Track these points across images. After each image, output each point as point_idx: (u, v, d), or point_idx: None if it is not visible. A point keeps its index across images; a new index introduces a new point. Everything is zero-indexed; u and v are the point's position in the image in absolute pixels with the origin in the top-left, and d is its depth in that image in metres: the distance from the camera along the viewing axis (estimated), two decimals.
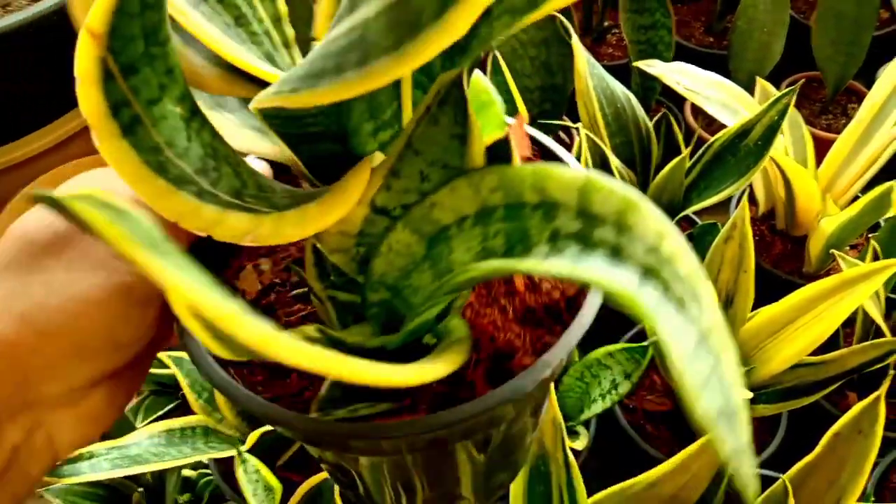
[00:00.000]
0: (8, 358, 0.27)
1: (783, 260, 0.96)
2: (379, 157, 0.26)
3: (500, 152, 0.25)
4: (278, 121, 0.24)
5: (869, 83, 1.17)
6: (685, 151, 0.82)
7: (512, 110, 0.88)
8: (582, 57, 0.83)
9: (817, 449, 0.56)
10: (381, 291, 0.27)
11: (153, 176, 0.20)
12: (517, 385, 0.27)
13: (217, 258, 0.32)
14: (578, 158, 0.81)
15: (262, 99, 0.20)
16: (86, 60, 0.19)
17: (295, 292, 0.32)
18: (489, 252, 0.24)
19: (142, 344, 0.30)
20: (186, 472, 0.75)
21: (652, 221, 0.20)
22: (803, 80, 0.95)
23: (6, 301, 0.27)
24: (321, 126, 0.25)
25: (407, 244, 0.26)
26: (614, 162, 0.83)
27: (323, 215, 0.22)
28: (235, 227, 0.21)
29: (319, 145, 0.25)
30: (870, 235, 0.84)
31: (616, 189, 0.21)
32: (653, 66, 0.88)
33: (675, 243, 0.20)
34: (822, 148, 0.94)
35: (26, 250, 0.28)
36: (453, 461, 0.31)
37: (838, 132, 1.11)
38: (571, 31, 0.85)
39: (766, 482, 0.70)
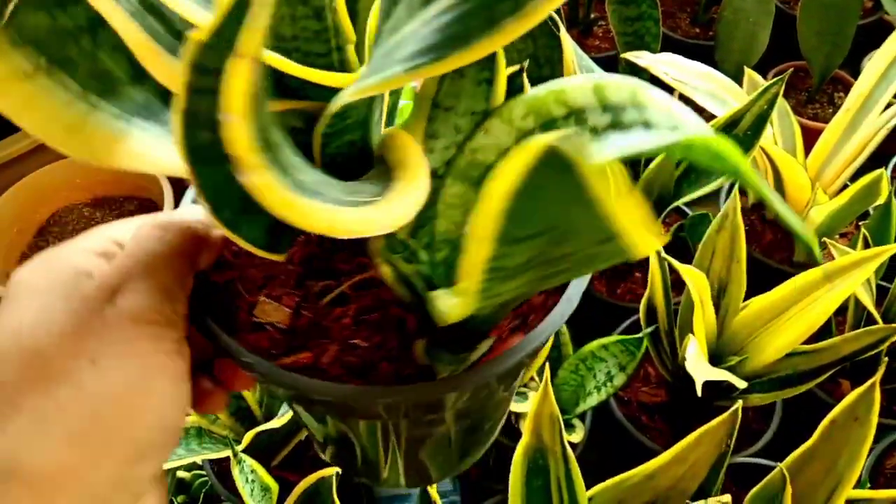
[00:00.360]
0: (69, 490, 0.23)
1: (773, 249, 0.96)
2: (399, 132, 0.26)
3: (513, 87, 0.28)
4: (333, 120, 0.25)
5: (854, 72, 1.18)
6: None
7: None
8: (570, 49, 0.83)
9: (814, 437, 0.57)
10: (444, 249, 0.28)
11: (301, 197, 0.19)
12: (578, 285, 0.30)
13: (219, 303, 0.31)
14: None
15: (382, 82, 0.20)
16: (244, 90, 0.17)
17: (327, 298, 0.31)
18: None
19: (183, 422, 0.28)
20: (181, 474, 0.75)
21: (656, 95, 0.24)
22: (791, 69, 0.95)
23: (39, 429, 0.23)
24: (355, 116, 0.26)
25: (460, 195, 0.28)
26: None
27: (420, 188, 0.23)
28: (371, 222, 0.21)
29: (346, 136, 0.26)
30: (860, 223, 0.85)
31: (620, 80, 0.25)
32: (641, 58, 0.88)
33: (678, 107, 0.24)
34: (809, 137, 0.94)
35: (35, 363, 0.24)
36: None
37: (825, 121, 1.11)
38: (560, 23, 0.85)
39: (762, 471, 0.70)
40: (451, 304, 0.23)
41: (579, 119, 0.26)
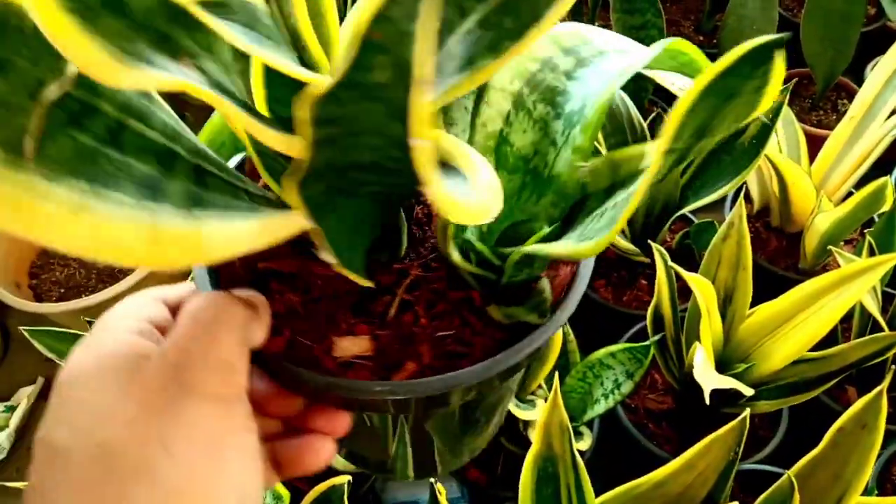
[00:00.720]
0: None
1: (778, 256, 0.96)
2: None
3: None
4: None
5: (858, 79, 1.19)
6: None
7: None
8: None
9: (822, 444, 0.57)
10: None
11: (460, 199, 0.22)
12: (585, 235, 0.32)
13: (296, 363, 0.32)
14: None
15: (461, 83, 0.23)
16: (427, 114, 0.19)
17: (393, 311, 0.32)
18: (540, 119, 0.31)
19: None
20: None
21: (593, 31, 0.31)
22: (796, 79, 0.95)
23: None
24: None
25: None
26: None
27: (489, 168, 0.25)
28: (493, 204, 0.24)
29: None
30: (865, 231, 0.85)
31: (568, 28, 0.31)
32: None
33: (612, 35, 0.31)
34: (813, 144, 0.95)
35: (105, 459, 0.23)
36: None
37: (829, 128, 1.12)
38: None
39: (770, 478, 0.70)
40: (585, 243, 0.26)
41: (552, 67, 0.31)
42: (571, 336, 0.76)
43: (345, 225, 0.26)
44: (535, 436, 0.54)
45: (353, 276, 0.26)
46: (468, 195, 0.23)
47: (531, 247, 0.28)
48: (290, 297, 0.32)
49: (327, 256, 0.24)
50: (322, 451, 0.30)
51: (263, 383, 0.30)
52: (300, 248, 0.33)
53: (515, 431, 0.75)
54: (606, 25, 1.26)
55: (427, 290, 0.32)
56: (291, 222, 0.23)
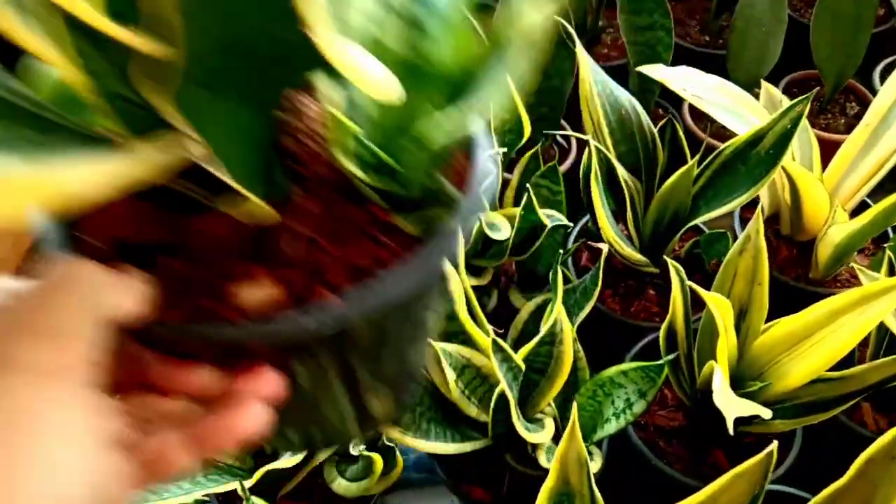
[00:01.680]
0: None
1: (789, 265, 0.94)
2: None
3: None
4: None
5: (866, 81, 1.16)
6: (692, 160, 0.80)
7: (515, 115, 0.86)
8: (587, 63, 0.80)
9: (848, 473, 0.55)
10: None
11: None
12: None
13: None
14: (588, 168, 0.79)
15: None
16: None
17: (291, 250, 0.30)
18: (406, 12, 0.29)
19: None
20: None
21: None
22: (816, 88, 0.93)
23: None
24: None
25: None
26: (620, 171, 0.80)
27: None
28: None
29: None
30: (885, 245, 0.83)
31: None
32: (656, 71, 0.86)
33: None
34: (822, 148, 0.92)
35: None
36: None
37: (837, 131, 1.10)
38: (574, 36, 0.82)
39: (788, 500, 0.68)
40: None
41: None
42: (581, 354, 0.74)
43: (227, 135, 0.23)
44: (551, 469, 0.52)
45: (254, 201, 0.24)
46: (373, 67, 0.22)
47: (425, 122, 0.27)
48: (176, 266, 0.28)
49: (220, 173, 0.23)
50: (251, 411, 0.27)
51: (159, 361, 0.28)
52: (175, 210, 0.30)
53: (521, 451, 0.72)
54: (612, 25, 1.23)
55: (327, 219, 0.30)
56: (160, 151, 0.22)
